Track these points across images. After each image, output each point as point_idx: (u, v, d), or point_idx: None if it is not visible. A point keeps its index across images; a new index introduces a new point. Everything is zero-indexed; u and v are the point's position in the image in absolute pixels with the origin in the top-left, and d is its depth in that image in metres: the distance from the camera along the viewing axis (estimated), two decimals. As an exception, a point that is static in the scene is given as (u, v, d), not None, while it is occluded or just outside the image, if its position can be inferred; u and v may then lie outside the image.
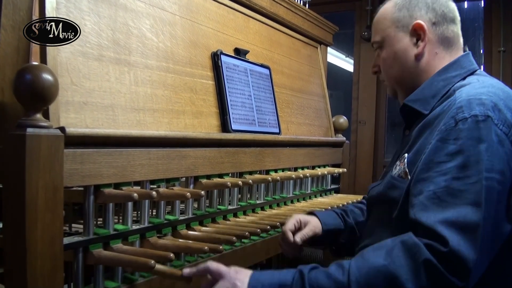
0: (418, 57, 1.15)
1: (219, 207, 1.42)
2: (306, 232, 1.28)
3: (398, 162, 1.10)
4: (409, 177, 1.03)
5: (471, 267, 0.86)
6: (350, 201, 1.88)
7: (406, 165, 1.06)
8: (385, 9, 1.21)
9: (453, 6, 1.18)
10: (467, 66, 1.13)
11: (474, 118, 0.94)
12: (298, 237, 1.27)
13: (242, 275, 0.95)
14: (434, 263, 0.86)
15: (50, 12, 1.00)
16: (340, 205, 1.80)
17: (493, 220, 0.90)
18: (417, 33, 1.14)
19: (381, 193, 1.14)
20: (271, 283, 0.93)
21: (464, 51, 1.19)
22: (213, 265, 0.97)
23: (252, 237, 1.36)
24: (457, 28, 1.18)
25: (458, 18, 1.18)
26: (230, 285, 0.94)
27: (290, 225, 1.30)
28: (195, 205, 1.34)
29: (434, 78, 1.13)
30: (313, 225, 1.31)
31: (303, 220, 1.32)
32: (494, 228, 0.91)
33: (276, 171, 1.69)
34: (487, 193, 0.90)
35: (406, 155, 1.07)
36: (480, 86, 1.03)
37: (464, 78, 1.11)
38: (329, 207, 1.73)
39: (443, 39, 1.15)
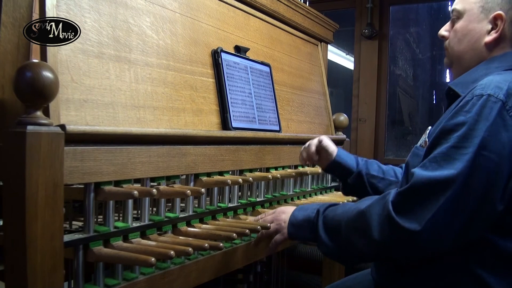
0: (487, 45, 1.19)
1: (219, 204, 1.42)
2: (317, 144, 1.58)
3: (423, 135, 1.21)
4: None
5: (420, 213, 0.97)
6: (350, 199, 1.89)
7: (427, 135, 1.16)
8: None
9: None
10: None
11: (487, 97, 1.00)
12: (313, 146, 1.60)
13: (285, 215, 1.26)
14: (388, 207, 1.01)
15: (50, 10, 1.00)
16: (341, 202, 1.80)
17: (477, 194, 0.96)
18: (495, 22, 1.17)
19: (406, 162, 1.25)
20: (302, 218, 1.22)
21: None
22: (267, 218, 1.30)
23: (252, 235, 1.36)
24: None
25: None
26: (278, 226, 1.27)
27: (315, 140, 1.61)
28: (196, 203, 1.34)
29: (479, 66, 1.19)
30: (330, 149, 1.58)
31: (326, 143, 1.59)
32: (477, 202, 0.97)
33: (276, 168, 1.69)
34: (472, 166, 0.96)
35: (429, 127, 1.18)
36: (510, 77, 1.07)
37: (505, 71, 1.14)
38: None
39: None
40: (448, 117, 1.05)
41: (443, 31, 1.29)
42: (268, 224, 1.33)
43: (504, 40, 1.18)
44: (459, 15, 1.23)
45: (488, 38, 1.18)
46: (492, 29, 1.18)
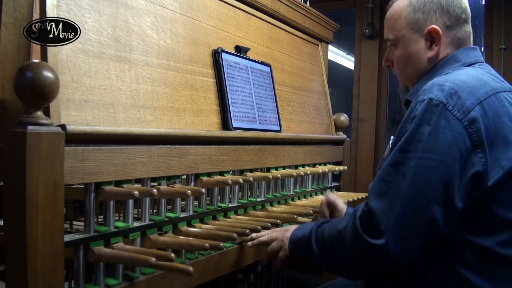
0: (431, 59, 1.18)
1: (219, 204, 1.42)
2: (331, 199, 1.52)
3: (387, 145, 1.23)
4: None
5: (381, 227, 0.98)
6: (351, 199, 1.88)
7: (390, 146, 1.15)
8: (400, 7, 1.21)
9: (466, 4, 1.19)
10: (463, 59, 1.16)
11: (429, 101, 1.00)
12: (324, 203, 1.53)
13: (288, 233, 1.27)
14: (356, 224, 1.03)
15: (50, 10, 1.00)
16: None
17: (430, 195, 0.97)
18: (432, 36, 1.17)
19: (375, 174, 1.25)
20: (301, 236, 1.23)
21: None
22: (273, 234, 1.31)
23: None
24: (469, 27, 1.20)
25: (470, 15, 1.20)
26: (281, 243, 1.28)
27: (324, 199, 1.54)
28: (196, 203, 1.34)
29: (431, 74, 1.17)
30: (340, 206, 1.50)
31: (332, 197, 1.54)
32: (434, 203, 0.97)
33: (276, 168, 1.69)
34: (417, 170, 0.98)
35: (392, 137, 1.16)
36: (455, 74, 1.08)
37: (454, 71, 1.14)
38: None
39: (455, 40, 1.18)
40: (398, 129, 1.06)
41: (385, 61, 1.31)
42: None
43: (444, 46, 1.17)
44: (394, 43, 1.23)
45: (431, 54, 1.18)
46: (431, 42, 1.17)
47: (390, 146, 1.15)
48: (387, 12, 1.26)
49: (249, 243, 1.33)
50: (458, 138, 0.98)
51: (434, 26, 1.16)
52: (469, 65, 1.15)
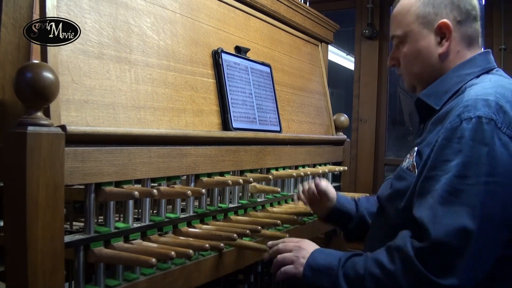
0: (442, 56, 1.14)
1: (220, 205, 1.42)
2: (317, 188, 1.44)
3: (408, 155, 1.13)
4: (416, 170, 1.06)
5: (456, 266, 0.90)
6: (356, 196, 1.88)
7: (414, 158, 1.08)
8: (409, 1, 1.17)
9: (476, 2, 1.16)
10: (483, 64, 1.13)
11: (478, 119, 0.95)
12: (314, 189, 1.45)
13: (303, 252, 1.14)
14: (419, 267, 0.93)
15: (50, 10, 1.00)
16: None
17: (496, 223, 0.93)
18: (442, 31, 1.13)
19: (390, 183, 1.17)
20: (322, 264, 1.10)
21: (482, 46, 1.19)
22: (289, 245, 1.18)
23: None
24: (478, 26, 1.16)
25: (479, 14, 1.17)
26: (296, 259, 1.13)
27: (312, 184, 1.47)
28: (196, 203, 1.34)
29: (448, 75, 1.14)
30: (331, 194, 1.45)
31: (324, 186, 1.46)
32: (497, 231, 0.93)
33: (277, 169, 1.69)
34: (485, 196, 0.92)
35: (415, 148, 1.10)
36: (490, 86, 1.03)
37: (478, 76, 1.11)
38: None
39: (465, 37, 1.14)
40: (438, 146, 0.99)
41: (390, 60, 1.25)
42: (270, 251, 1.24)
43: (455, 43, 1.13)
44: (402, 39, 1.19)
45: (441, 50, 1.13)
46: (441, 38, 1.13)
47: (415, 159, 1.07)
48: (395, 7, 1.22)
49: (266, 254, 1.24)
50: None
51: (445, 20, 1.12)
52: (488, 72, 1.12)
